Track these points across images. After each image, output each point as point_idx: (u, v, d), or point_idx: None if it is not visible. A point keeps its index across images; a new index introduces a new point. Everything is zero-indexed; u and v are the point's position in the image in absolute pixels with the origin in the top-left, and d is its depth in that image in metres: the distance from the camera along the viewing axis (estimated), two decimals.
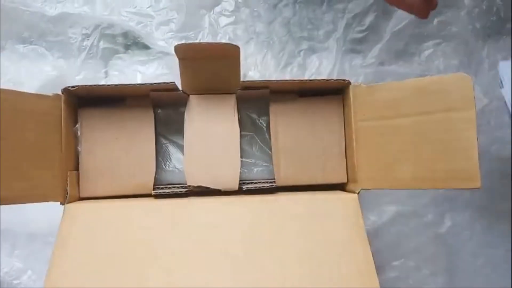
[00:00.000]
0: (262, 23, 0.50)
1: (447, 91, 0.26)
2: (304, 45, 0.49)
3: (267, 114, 0.32)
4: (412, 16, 0.47)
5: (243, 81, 0.30)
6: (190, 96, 0.31)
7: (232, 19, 0.49)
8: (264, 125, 0.33)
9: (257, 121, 0.33)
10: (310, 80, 0.31)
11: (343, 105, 0.32)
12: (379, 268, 0.48)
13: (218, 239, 0.27)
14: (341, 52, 0.49)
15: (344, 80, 0.30)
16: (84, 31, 0.48)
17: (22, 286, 0.43)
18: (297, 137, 0.31)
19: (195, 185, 0.30)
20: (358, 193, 0.29)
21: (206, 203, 0.29)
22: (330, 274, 0.27)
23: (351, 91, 0.30)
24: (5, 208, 0.46)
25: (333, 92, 0.32)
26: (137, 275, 0.26)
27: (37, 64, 0.47)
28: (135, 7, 0.49)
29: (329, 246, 0.28)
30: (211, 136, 0.31)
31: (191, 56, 0.29)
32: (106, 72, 0.48)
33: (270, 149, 0.32)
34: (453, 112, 0.26)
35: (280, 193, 0.30)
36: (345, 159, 0.31)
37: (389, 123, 0.29)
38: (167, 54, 0.48)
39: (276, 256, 0.27)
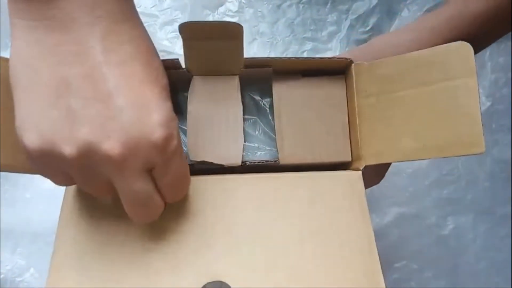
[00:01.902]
0: (265, 23, 0.50)
1: (448, 61, 0.26)
2: (308, 45, 0.49)
3: (270, 95, 0.32)
4: (415, 18, 0.47)
5: (245, 58, 0.30)
6: (194, 76, 0.31)
7: (235, 19, 0.50)
8: (267, 106, 0.33)
9: (260, 102, 0.33)
10: (313, 58, 0.31)
11: (346, 84, 0.32)
12: (381, 270, 0.48)
13: (221, 219, 0.27)
14: None
15: (346, 58, 0.30)
16: None
17: (25, 284, 0.43)
18: (301, 116, 0.31)
19: (198, 160, 0.29)
20: (362, 170, 0.29)
21: (209, 181, 0.29)
22: (333, 254, 0.27)
23: (353, 70, 0.30)
24: (7, 207, 0.46)
25: (335, 72, 0.32)
26: (142, 251, 0.26)
27: None
28: (139, 6, 0.49)
29: (332, 226, 0.28)
30: (214, 114, 0.31)
31: (195, 36, 0.28)
32: None
33: (274, 133, 0.31)
34: (455, 81, 0.26)
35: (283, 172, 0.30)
36: (349, 138, 0.31)
37: (391, 97, 0.29)
38: (171, 53, 0.48)
39: (279, 235, 0.27)
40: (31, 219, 0.45)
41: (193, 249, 0.26)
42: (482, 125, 0.25)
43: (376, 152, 0.29)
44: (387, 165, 0.35)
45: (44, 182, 0.46)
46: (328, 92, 0.32)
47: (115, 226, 0.27)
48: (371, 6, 0.49)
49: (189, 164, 0.28)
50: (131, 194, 0.22)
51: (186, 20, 0.48)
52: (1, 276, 0.43)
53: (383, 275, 0.47)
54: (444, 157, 0.26)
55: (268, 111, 0.33)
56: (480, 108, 0.25)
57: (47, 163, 0.21)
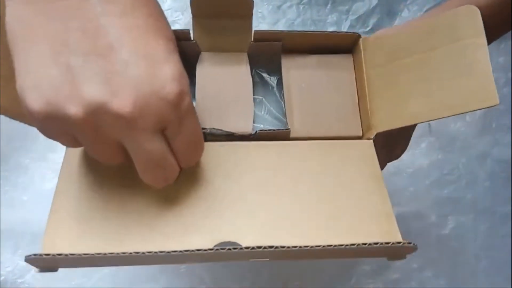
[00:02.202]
0: (266, 24, 0.50)
1: (455, 24, 0.26)
2: None
3: (278, 72, 0.32)
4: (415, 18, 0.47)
5: (255, 31, 0.30)
6: (202, 52, 0.31)
7: None
8: (275, 82, 0.32)
9: (267, 80, 0.33)
10: (322, 31, 0.31)
11: (353, 60, 0.32)
12: (381, 269, 0.48)
13: (233, 185, 0.27)
14: None
15: (354, 33, 0.31)
16: None
17: (26, 285, 0.43)
18: (310, 91, 0.31)
19: (208, 127, 0.28)
20: (373, 139, 0.29)
21: (220, 147, 0.28)
22: (347, 217, 0.26)
23: (361, 44, 0.30)
24: (7, 208, 0.46)
25: (343, 51, 0.32)
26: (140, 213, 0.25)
27: None
28: None
29: (345, 190, 0.27)
30: (223, 87, 0.30)
31: (205, 13, 0.29)
32: None
33: (280, 113, 0.31)
34: (463, 41, 0.25)
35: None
36: (359, 114, 0.31)
37: (399, 63, 0.28)
38: None
39: (291, 200, 0.26)
40: (31, 220, 0.45)
41: (204, 214, 0.25)
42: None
43: (386, 119, 0.29)
44: (408, 132, 0.34)
45: (44, 183, 0.46)
46: (336, 68, 0.31)
47: (119, 190, 0.25)
48: (371, 6, 0.49)
49: None
50: (144, 156, 0.21)
51: (186, 21, 0.48)
52: (2, 277, 0.43)
53: (383, 274, 0.47)
54: (456, 115, 0.25)
55: (275, 88, 0.32)
56: (491, 65, 0.24)
57: (52, 125, 0.20)
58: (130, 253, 0.22)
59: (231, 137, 0.29)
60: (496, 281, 0.48)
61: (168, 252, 0.22)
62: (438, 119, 0.26)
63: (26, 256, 0.22)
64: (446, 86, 0.26)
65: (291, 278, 0.46)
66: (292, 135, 0.29)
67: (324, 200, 0.26)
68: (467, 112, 0.25)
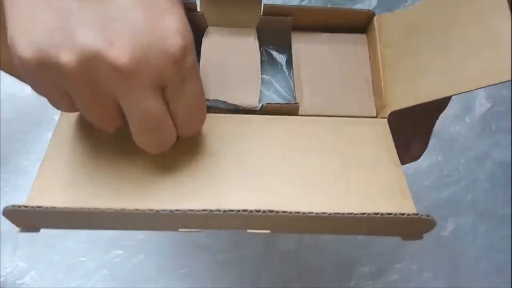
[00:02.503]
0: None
1: None
2: None
3: (287, 50, 0.30)
4: None
5: (264, 5, 0.28)
6: (209, 27, 0.29)
7: None
8: (284, 60, 0.31)
9: (276, 58, 0.31)
10: (335, 8, 0.30)
11: (368, 39, 0.30)
12: (380, 271, 0.48)
13: (235, 157, 0.25)
14: None
15: (369, 10, 0.30)
16: None
17: (25, 286, 0.43)
18: (321, 69, 0.29)
19: (211, 99, 0.26)
20: (387, 118, 0.27)
21: (223, 119, 0.26)
22: (360, 193, 0.24)
23: (376, 21, 0.29)
24: None
25: (357, 30, 0.30)
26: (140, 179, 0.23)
27: None
28: None
29: (358, 167, 0.25)
30: (229, 60, 0.29)
31: None
32: None
33: (289, 93, 0.30)
34: (486, 13, 0.24)
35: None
36: (373, 93, 0.29)
37: (417, 39, 0.27)
38: None
39: (298, 172, 0.25)
40: None
41: (202, 182, 0.24)
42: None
43: (402, 96, 0.27)
44: (427, 125, 0.31)
45: None
46: (349, 47, 0.30)
47: (114, 157, 0.24)
48: (371, 7, 0.49)
49: None
50: (140, 115, 0.19)
51: None
52: (1, 278, 0.43)
53: (383, 275, 0.47)
54: (471, 90, 0.24)
55: (284, 67, 0.31)
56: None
57: (44, 76, 0.19)
58: (116, 210, 0.20)
59: (235, 110, 0.27)
60: (496, 283, 0.48)
61: (158, 211, 0.20)
62: (456, 94, 0.25)
63: (4, 208, 0.20)
64: (466, 59, 0.25)
65: (291, 279, 0.46)
66: (301, 112, 0.28)
67: (333, 176, 0.24)
68: (482, 87, 0.24)
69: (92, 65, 0.18)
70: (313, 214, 0.20)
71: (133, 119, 0.20)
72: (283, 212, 0.20)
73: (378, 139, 0.26)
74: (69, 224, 0.23)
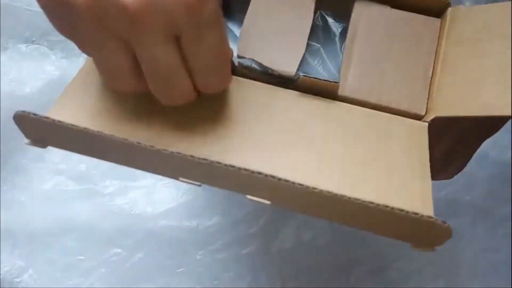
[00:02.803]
0: None
1: None
2: None
3: (346, 20, 0.27)
4: None
5: None
6: None
7: None
8: (339, 30, 0.27)
9: (331, 25, 0.28)
10: None
11: (440, 29, 0.27)
12: (380, 269, 0.48)
13: (260, 127, 0.23)
14: None
15: None
16: None
17: (23, 284, 0.43)
18: (377, 49, 0.26)
19: (246, 56, 0.24)
20: (429, 122, 0.24)
21: (255, 86, 0.24)
22: (378, 188, 0.22)
23: (449, 13, 0.26)
24: (5, 208, 0.46)
25: (430, 14, 0.27)
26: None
27: (39, 63, 0.47)
28: None
29: (384, 162, 0.23)
30: (277, 17, 0.26)
31: None
32: None
33: (336, 67, 0.26)
34: None
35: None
36: (428, 88, 0.25)
37: (484, 43, 0.24)
38: None
39: (319, 158, 0.23)
40: (28, 220, 0.45)
41: (212, 145, 0.22)
42: None
43: (452, 103, 0.24)
44: (471, 147, 0.29)
45: (42, 184, 0.46)
46: (417, 31, 0.26)
47: (136, 106, 0.23)
48: None
49: (234, 64, 0.24)
50: (149, 62, 0.19)
51: None
52: (0, 277, 0.43)
53: (381, 274, 0.47)
54: None
55: (337, 38, 0.28)
56: None
57: (57, 13, 0.19)
58: (119, 138, 0.20)
59: (268, 75, 0.25)
60: (495, 282, 0.47)
61: (159, 149, 0.20)
62: (505, 115, 0.22)
63: (15, 112, 0.21)
64: None
65: (289, 278, 0.46)
66: (340, 92, 0.25)
67: (354, 165, 0.22)
68: None
69: (102, 5, 0.17)
70: (317, 190, 0.19)
71: (144, 67, 0.19)
72: (286, 180, 0.19)
73: (412, 142, 0.24)
74: (75, 145, 0.22)
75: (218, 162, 0.20)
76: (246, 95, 0.24)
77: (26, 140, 0.22)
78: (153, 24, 0.17)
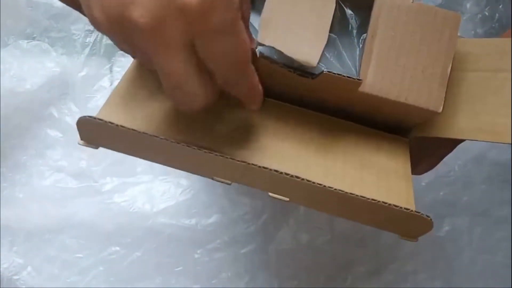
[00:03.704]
0: None
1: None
2: None
3: (365, 13, 0.27)
4: None
5: None
6: None
7: None
8: (357, 24, 0.27)
9: (349, 17, 0.27)
10: None
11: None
12: (376, 271, 0.48)
13: (275, 142, 0.26)
14: None
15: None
16: (86, 27, 0.48)
17: (22, 282, 0.43)
18: (397, 44, 0.26)
19: (266, 44, 0.23)
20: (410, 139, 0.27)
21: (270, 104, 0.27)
22: (371, 190, 0.25)
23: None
24: (5, 205, 0.46)
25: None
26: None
27: (40, 60, 0.47)
28: None
29: (375, 169, 0.26)
30: (299, 4, 0.25)
31: None
32: (110, 68, 0.48)
33: (352, 61, 0.27)
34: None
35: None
36: (445, 86, 0.25)
37: (460, 75, 0.26)
38: None
39: (318, 169, 0.26)
40: (27, 217, 0.45)
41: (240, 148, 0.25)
42: None
43: (462, 126, 0.26)
44: (442, 153, 0.31)
45: (42, 181, 0.46)
46: (438, 26, 0.26)
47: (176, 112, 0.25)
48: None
49: (254, 53, 0.24)
50: (161, 72, 0.19)
51: None
52: None
53: (379, 275, 0.47)
54: (494, 142, 0.24)
55: (355, 31, 0.27)
56: None
57: (118, 33, 0.20)
58: (159, 137, 0.22)
59: (290, 66, 0.24)
60: (492, 284, 0.48)
61: (193, 147, 0.22)
62: (476, 140, 0.25)
63: (80, 118, 0.22)
64: (495, 111, 0.24)
65: (287, 278, 0.46)
66: (361, 88, 0.25)
67: (353, 171, 0.26)
68: (495, 142, 0.24)
69: (120, 24, 0.18)
70: (332, 189, 0.22)
71: (160, 76, 0.20)
72: (296, 177, 0.22)
73: (396, 154, 0.27)
74: (127, 144, 0.24)
75: (243, 161, 0.22)
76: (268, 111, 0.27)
77: (80, 141, 0.24)
78: (167, 39, 0.18)
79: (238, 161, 0.22)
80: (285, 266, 0.46)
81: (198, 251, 0.45)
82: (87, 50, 0.47)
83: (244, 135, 0.26)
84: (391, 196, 0.25)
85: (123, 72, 0.42)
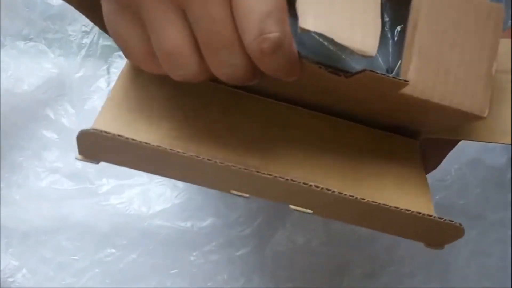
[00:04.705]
0: None
1: None
2: None
3: (400, 3, 0.24)
4: None
5: None
6: None
7: None
8: (390, 15, 0.24)
9: (383, 6, 0.24)
10: None
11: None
12: (372, 274, 0.48)
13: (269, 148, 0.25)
14: None
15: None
16: (83, 29, 0.48)
17: (17, 284, 0.43)
18: (440, 39, 0.22)
19: (307, 28, 0.19)
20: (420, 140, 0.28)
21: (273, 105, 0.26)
22: (391, 197, 0.25)
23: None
24: (1, 206, 0.45)
25: None
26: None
27: (37, 61, 0.47)
28: None
29: (391, 175, 0.26)
30: None
31: None
32: (107, 70, 0.48)
33: (382, 55, 0.24)
34: None
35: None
36: (490, 87, 0.23)
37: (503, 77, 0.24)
38: None
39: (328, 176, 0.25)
40: (23, 218, 0.45)
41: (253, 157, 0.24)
42: None
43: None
44: (445, 151, 0.31)
45: (38, 181, 0.46)
46: (481, 20, 0.23)
47: (186, 100, 0.24)
48: None
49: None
50: (155, 35, 0.18)
51: None
52: None
53: (375, 278, 0.47)
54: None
55: (388, 24, 0.24)
56: None
57: None
58: (182, 153, 0.20)
59: (336, 57, 0.21)
60: (486, 286, 0.48)
61: (197, 157, 0.20)
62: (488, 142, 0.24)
63: (80, 131, 0.20)
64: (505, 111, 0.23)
65: (283, 281, 0.46)
66: (403, 90, 0.22)
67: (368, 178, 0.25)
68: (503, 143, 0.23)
69: None
70: (353, 197, 0.21)
71: (151, 39, 0.19)
72: (292, 180, 0.21)
73: (410, 158, 0.27)
74: (129, 158, 0.22)
75: (245, 168, 0.21)
76: (265, 113, 0.25)
77: (79, 156, 0.22)
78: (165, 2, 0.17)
79: (258, 172, 0.21)
80: (281, 269, 0.46)
81: (194, 253, 0.45)
82: (83, 51, 0.47)
83: (260, 144, 0.25)
84: (412, 202, 0.24)
85: None
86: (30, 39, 0.47)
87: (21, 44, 0.47)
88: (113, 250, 0.45)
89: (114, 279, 0.44)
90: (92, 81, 0.47)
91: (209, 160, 0.21)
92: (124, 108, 0.24)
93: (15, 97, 0.46)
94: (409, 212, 0.21)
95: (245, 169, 0.21)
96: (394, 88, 0.21)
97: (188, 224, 0.46)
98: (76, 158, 0.22)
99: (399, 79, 0.21)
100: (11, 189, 0.46)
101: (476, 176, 0.51)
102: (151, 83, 0.25)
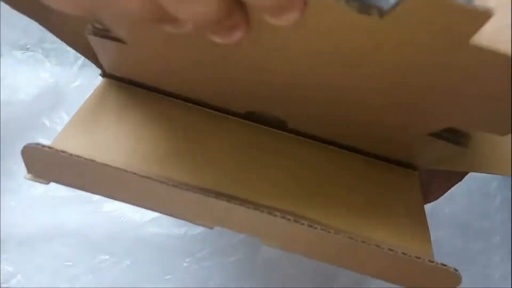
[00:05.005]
0: None
1: None
2: None
3: None
4: None
5: None
6: None
7: None
8: None
9: None
10: None
11: None
12: (360, 281, 0.48)
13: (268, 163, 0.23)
14: None
15: None
16: None
17: None
18: None
19: None
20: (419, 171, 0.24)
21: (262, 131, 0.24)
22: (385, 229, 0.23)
23: None
24: None
25: None
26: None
27: (35, 70, 0.47)
28: None
29: (385, 205, 0.24)
30: None
31: None
32: None
33: None
34: None
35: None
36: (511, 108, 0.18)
37: None
38: None
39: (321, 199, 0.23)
40: (17, 226, 0.45)
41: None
42: None
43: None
44: (450, 183, 0.29)
45: (32, 189, 0.46)
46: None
47: (151, 125, 0.22)
48: None
49: None
50: None
51: None
52: None
53: (364, 285, 0.47)
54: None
55: None
56: None
57: None
58: (122, 169, 0.18)
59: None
60: None
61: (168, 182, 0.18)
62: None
63: (24, 145, 0.18)
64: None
65: (274, 286, 0.46)
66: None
67: (358, 213, 0.23)
68: None
69: None
70: (337, 235, 0.18)
71: None
72: (309, 225, 0.18)
73: (408, 189, 0.24)
74: (75, 178, 0.20)
75: (237, 201, 0.19)
76: (255, 139, 0.23)
77: (27, 176, 0.20)
78: None
79: (229, 201, 0.18)
80: (272, 275, 0.47)
81: (187, 260, 0.46)
82: (80, 61, 0.48)
83: (231, 168, 0.23)
84: (406, 241, 0.22)
85: None
86: (28, 49, 0.48)
87: (18, 53, 0.48)
88: (107, 257, 0.45)
89: (107, 286, 0.44)
90: (88, 90, 0.47)
91: (162, 182, 0.18)
92: (89, 122, 0.22)
93: (12, 106, 0.46)
94: (406, 255, 0.19)
95: (208, 195, 0.18)
96: (470, 25, 0.13)
97: (182, 231, 0.46)
98: (25, 177, 0.20)
99: (477, 7, 0.12)
100: (6, 196, 0.46)
101: (462, 185, 0.51)
102: (118, 105, 0.23)
